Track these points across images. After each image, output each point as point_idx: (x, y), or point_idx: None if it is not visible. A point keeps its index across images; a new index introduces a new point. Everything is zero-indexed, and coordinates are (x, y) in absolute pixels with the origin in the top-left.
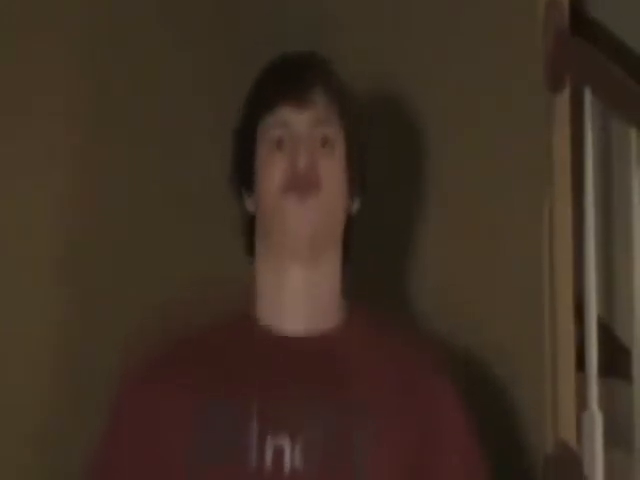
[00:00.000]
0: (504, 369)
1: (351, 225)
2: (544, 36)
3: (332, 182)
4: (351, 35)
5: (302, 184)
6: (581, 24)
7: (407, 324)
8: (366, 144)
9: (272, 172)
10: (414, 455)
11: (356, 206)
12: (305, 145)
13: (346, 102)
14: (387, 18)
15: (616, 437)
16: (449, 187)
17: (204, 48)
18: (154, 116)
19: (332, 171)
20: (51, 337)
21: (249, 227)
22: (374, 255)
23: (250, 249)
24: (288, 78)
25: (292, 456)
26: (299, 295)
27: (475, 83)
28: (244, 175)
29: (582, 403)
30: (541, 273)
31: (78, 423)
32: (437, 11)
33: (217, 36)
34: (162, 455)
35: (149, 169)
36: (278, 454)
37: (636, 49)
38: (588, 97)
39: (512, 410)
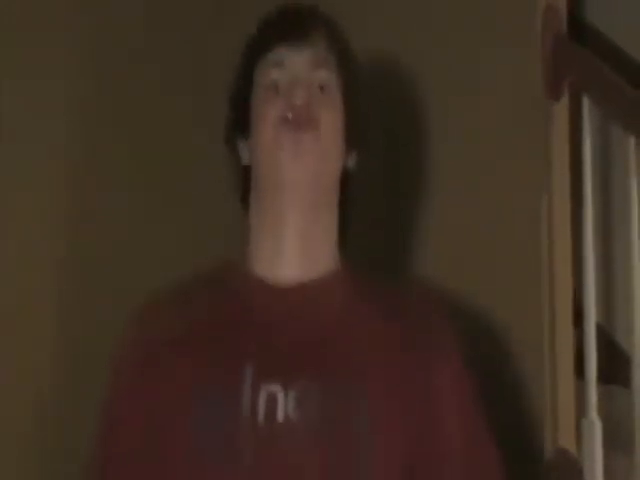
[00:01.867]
0: (503, 376)
1: (348, 181)
2: (542, 42)
3: (329, 125)
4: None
5: (298, 120)
6: (579, 30)
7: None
8: (363, 99)
9: (268, 110)
10: (416, 410)
11: (353, 160)
12: (302, 86)
13: (346, 51)
14: (387, 17)
15: (616, 444)
16: (445, 199)
17: (206, 48)
18: (155, 116)
19: (329, 114)
20: (52, 334)
21: (243, 178)
22: (373, 239)
23: (244, 199)
24: (288, 20)
25: (285, 404)
26: (293, 241)
27: (474, 89)
28: (240, 120)
29: (581, 410)
30: (540, 280)
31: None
32: (436, 17)
33: (218, 36)
34: (161, 407)
35: (149, 169)
36: (271, 402)
37: (633, 54)
38: (586, 103)
39: (512, 417)
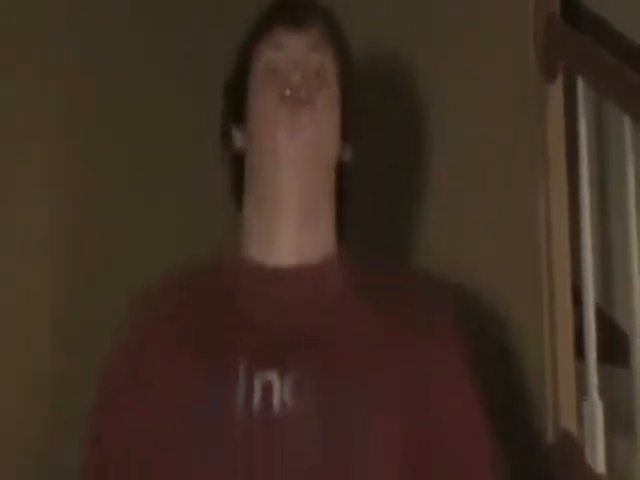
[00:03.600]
0: (503, 360)
1: (345, 173)
2: (535, 24)
3: (325, 107)
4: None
5: (295, 97)
6: (572, 12)
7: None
8: (358, 93)
9: (266, 90)
10: (414, 398)
11: (348, 153)
12: (300, 67)
13: (342, 42)
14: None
15: (617, 424)
16: (442, 179)
17: (206, 47)
18: (154, 116)
19: (325, 97)
20: (51, 334)
21: (237, 167)
22: (372, 234)
23: (237, 192)
24: (287, 6)
25: (281, 392)
26: (291, 226)
27: (467, 73)
28: (236, 106)
29: (582, 391)
30: (539, 262)
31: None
32: (430, 3)
33: (218, 36)
34: (154, 400)
35: (149, 168)
36: (266, 390)
37: (627, 35)
38: (581, 85)
39: (513, 400)
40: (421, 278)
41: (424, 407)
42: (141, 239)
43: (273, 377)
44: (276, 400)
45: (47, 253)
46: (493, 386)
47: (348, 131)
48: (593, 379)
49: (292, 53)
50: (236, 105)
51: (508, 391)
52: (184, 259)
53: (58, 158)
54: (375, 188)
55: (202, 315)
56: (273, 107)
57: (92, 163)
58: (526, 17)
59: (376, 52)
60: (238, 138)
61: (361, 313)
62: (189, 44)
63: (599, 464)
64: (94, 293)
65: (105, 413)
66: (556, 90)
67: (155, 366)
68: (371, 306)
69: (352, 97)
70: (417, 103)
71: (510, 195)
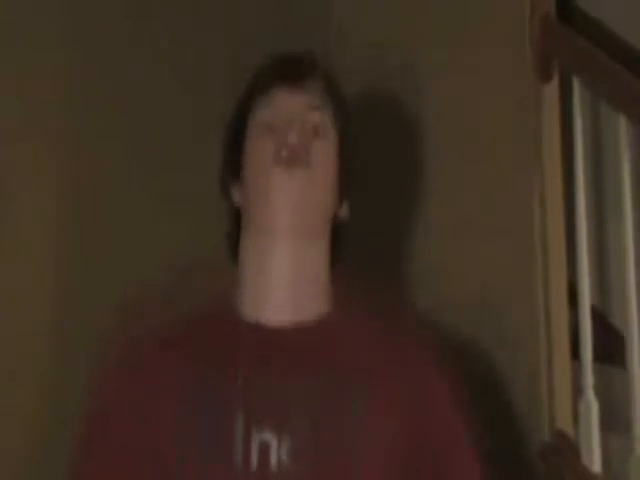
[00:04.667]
0: (499, 360)
1: (341, 229)
2: (531, 25)
3: (321, 166)
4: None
5: (290, 156)
6: (568, 12)
7: (398, 310)
8: (356, 151)
9: (261, 148)
10: (407, 441)
11: (345, 210)
12: (297, 126)
13: (340, 101)
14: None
15: (613, 424)
16: (438, 179)
17: (207, 48)
18: (154, 116)
19: (323, 155)
20: (50, 334)
21: (235, 222)
22: (367, 235)
23: (234, 248)
24: (285, 65)
25: (279, 453)
26: (284, 283)
27: (464, 72)
28: (233, 162)
29: (578, 391)
30: (534, 263)
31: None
32: (426, 1)
33: (217, 36)
34: (148, 451)
35: (149, 168)
36: (264, 452)
37: (622, 36)
38: (577, 85)
39: (508, 400)
40: (416, 340)
41: (416, 455)
42: (141, 239)
43: (270, 437)
44: (273, 461)
45: (47, 253)
46: (489, 385)
47: (346, 188)
48: (589, 379)
49: (289, 111)
50: (232, 161)
51: (504, 391)
52: (184, 260)
53: (58, 158)
54: (373, 188)
55: (192, 375)
56: (268, 167)
57: (92, 163)
58: (522, 18)
59: (374, 52)
60: (235, 193)
61: (355, 369)
62: (191, 44)
63: (595, 464)
64: (94, 293)
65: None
66: (552, 90)
67: (149, 420)
68: (364, 362)
69: (351, 154)
70: (413, 103)
71: (506, 195)
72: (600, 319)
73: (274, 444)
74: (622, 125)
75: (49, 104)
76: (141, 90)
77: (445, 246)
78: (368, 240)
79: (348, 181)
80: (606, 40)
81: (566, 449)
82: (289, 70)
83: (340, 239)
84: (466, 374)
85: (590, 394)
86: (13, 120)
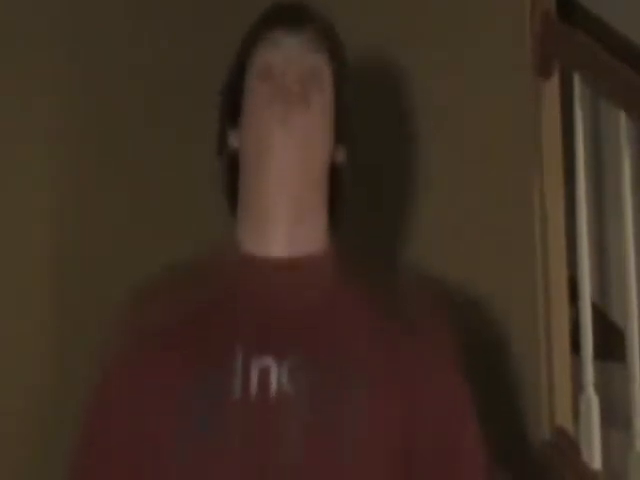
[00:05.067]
0: (500, 357)
1: (338, 176)
2: (531, 21)
3: (319, 107)
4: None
5: (290, 97)
6: (568, 9)
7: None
8: (351, 97)
9: (260, 90)
10: (409, 381)
11: (341, 156)
12: (294, 67)
13: (337, 45)
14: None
15: (613, 420)
16: (439, 175)
17: (204, 49)
18: (151, 120)
19: (320, 97)
20: (49, 334)
21: (231, 168)
22: (366, 235)
23: (231, 192)
24: (284, 10)
25: (279, 378)
26: (282, 218)
27: (464, 70)
28: (232, 107)
29: (578, 387)
30: (534, 259)
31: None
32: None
33: (217, 36)
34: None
35: (148, 168)
36: (263, 377)
37: (623, 33)
38: (577, 82)
39: (508, 396)
40: (413, 274)
41: (415, 393)
42: (142, 239)
43: (270, 363)
44: (273, 385)
45: (47, 253)
46: (489, 382)
47: (341, 133)
48: (589, 376)
49: (287, 52)
50: (232, 106)
51: (503, 387)
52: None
53: (58, 158)
54: (372, 184)
55: (196, 313)
56: (267, 104)
57: (92, 163)
58: (522, 15)
59: (374, 48)
60: (233, 139)
61: (354, 302)
62: (185, 45)
63: (595, 460)
64: (94, 293)
65: (99, 413)
66: (552, 87)
67: (152, 358)
68: (364, 296)
69: (346, 100)
70: (414, 100)
71: (506, 192)
72: (600, 315)
73: (274, 369)
74: (622, 122)
75: (49, 104)
76: (141, 90)
77: (446, 243)
78: (367, 240)
79: (344, 126)
80: (606, 37)
81: (566, 446)
82: (288, 15)
83: (338, 183)
84: (466, 370)
85: (590, 390)
86: (13, 120)
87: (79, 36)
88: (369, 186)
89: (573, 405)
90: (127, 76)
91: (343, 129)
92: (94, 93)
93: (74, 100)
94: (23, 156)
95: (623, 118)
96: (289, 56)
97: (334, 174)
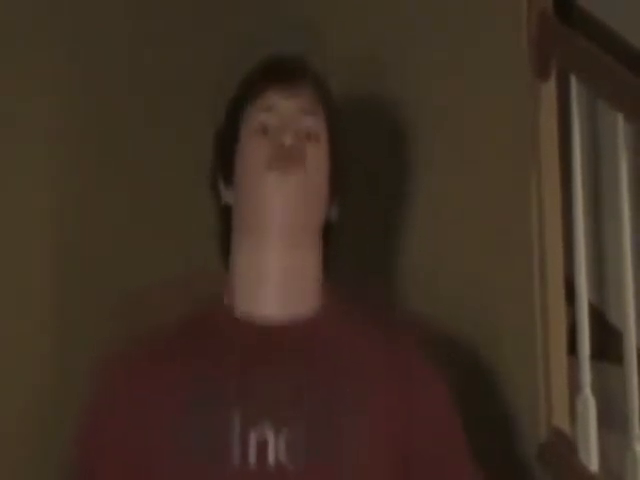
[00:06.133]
0: (496, 357)
1: (331, 232)
2: (528, 22)
3: (315, 169)
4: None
5: (286, 160)
6: (566, 10)
7: (388, 308)
8: (347, 153)
9: (256, 150)
10: (403, 439)
11: (335, 212)
12: (291, 129)
13: (332, 105)
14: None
15: (610, 421)
16: (436, 177)
17: (203, 50)
18: (150, 120)
19: (316, 159)
20: (48, 334)
21: (225, 222)
22: (361, 237)
23: (225, 247)
24: (277, 68)
25: (276, 449)
26: (276, 279)
27: (461, 71)
28: (225, 164)
29: (575, 388)
30: (531, 259)
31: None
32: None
33: (216, 36)
34: (144, 454)
35: (148, 169)
36: (262, 448)
37: (621, 34)
38: (574, 83)
39: (505, 398)
40: (405, 330)
41: (410, 452)
42: (142, 239)
43: (268, 433)
44: (271, 457)
45: (47, 253)
46: (485, 383)
47: (336, 191)
48: (586, 376)
49: (283, 114)
50: (225, 162)
51: (500, 388)
52: (183, 258)
53: (58, 158)
54: (371, 187)
55: (188, 376)
56: (263, 170)
57: (92, 163)
58: (519, 16)
59: (374, 49)
60: (226, 195)
61: (349, 367)
62: (184, 46)
63: (592, 462)
64: (94, 293)
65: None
66: (549, 89)
67: (143, 428)
68: (358, 358)
69: (341, 157)
70: (411, 103)
71: (504, 193)
72: (597, 316)
73: (272, 442)
74: (620, 123)
75: (49, 104)
76: (141, 90)
77: (442, 244)
78: (365, 240)
79: (339, 185)
80: (604, 38)
81: (563, 447)
82: (282, 73)
83: (331, 241)
84: (463, 371)
85: (587, 391)
86: (13, 120)
87: (79, 36)
88: (368, 186)
89: (570, 406)
90: (127, 76)
91: (338, 188)
92: (94, 93)
93: (74, 100)
94: (23, 156)
95: (621, 120)
96: (285, 119)
97: (327, 229)
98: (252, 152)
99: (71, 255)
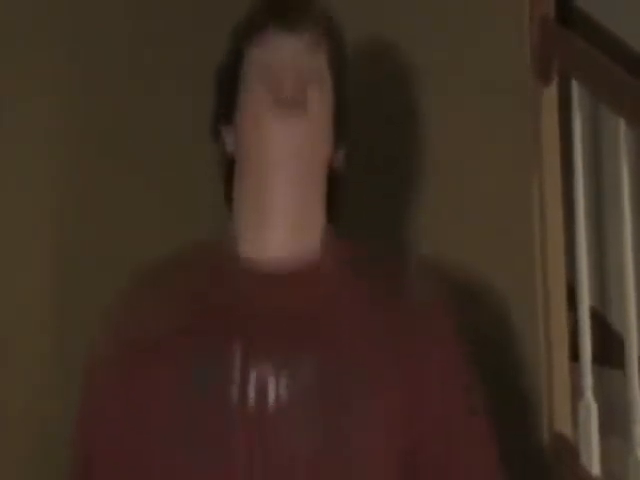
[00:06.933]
0: (498, 362)
1: (336, 180)
2: (530, 26)
3: (318, 109)
4: None
5: (288, 103)
6: (568, 14)
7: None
8: (348, 97)
9: (259, 90)
10: (408, 397)
11: (340, 159)
12: (293, 69)
13: (339, 45)
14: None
15: (612, 426)
16: (439, 183)
17: (203, 48)
18: (150, 120)
19: (319, 101)
20: (48, 335)
21: (228, 170)
22: (360, 237)
23: (229, 195)
24: (280, 4)
25: (277, 385)
26: (281, 222)
27: (463, 74)
28: (226, 106)
29: (577, 393)
30: (533, 264)
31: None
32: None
33: (215, 36)
34: (146, 394)
35: (147, 167)
36: (261, 384)
37: (623, 38)
38: (576, 87)
39: (508, 402)
40: (419, 275)
41: (421, 394)
42: (141, 238)
43: (268, 371)
44: (271, 394)
45: (47, 253)
46: (488, 388)
47: (340, 137)
48: (588, 381)
49: (286, 56)
50: (226, 106)
51: (503, 393)
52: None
53: (58, 158)
54: (372, 186)
55: (190, 317)
56: (265, 110)
57: (92, 163)
58: (521, 19)
59: (374, 49)
60: (228, 141)
61: (353, 312)
62: (185, 42)
63: (594, 466)
64: (94, 293)
65: (92, 404)
66: (551, 92)
67: (147, 356)
68: (364, 296)
69: (345, 103)
70: (412, 104)
71: (505, 197)
72: (599, 321)
73: (272, 377)
74: (621, 127)
75: (49, 104)
76: (141, 90)
77: (443, 247)
78: (365, 240)
79: (343, 129)
80: (605, 42)
81: (565, 451)
82: (287, 9)
83: (335, 189)
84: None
85: (589, 396)
86: (13, 120)
87: (79, 36)
88: (368, 186)
89: (572, 411)
90: (127, 76)
91: (342, 132)
92: (94, 93)
93: (74, 100)
94: (23, 156)
95: (622, 123)
96: (287, 60)
97: (332, 177)
98: (253, 95)
99: (71, 255)
